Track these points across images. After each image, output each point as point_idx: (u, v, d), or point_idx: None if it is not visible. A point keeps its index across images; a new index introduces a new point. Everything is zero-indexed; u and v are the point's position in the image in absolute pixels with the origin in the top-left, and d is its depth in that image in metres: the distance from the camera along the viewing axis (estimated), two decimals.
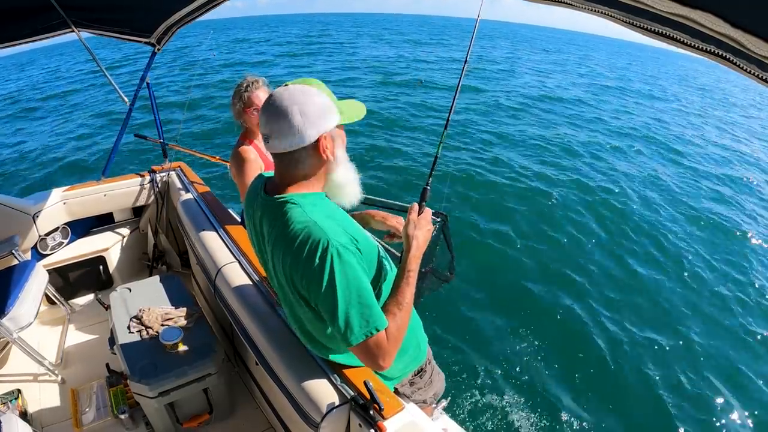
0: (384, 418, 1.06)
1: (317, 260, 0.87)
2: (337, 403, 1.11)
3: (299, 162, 0.95)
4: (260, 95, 1.88)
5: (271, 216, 0.98)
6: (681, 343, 3.72)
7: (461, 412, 2.83)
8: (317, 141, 0.93)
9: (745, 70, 0.74)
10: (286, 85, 0.95)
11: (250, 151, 1.86)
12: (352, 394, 1.13)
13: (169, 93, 12.97)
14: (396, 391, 1.29)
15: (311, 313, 1.02)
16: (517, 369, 3.25)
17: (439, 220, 1.57)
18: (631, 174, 7.71)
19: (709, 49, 0.76)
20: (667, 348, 3.63)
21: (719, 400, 3.18)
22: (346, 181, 1.02)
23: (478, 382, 3.09)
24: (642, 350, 3.58)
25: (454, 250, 1.55)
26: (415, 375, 1.34)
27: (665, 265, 4.88)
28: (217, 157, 2.85)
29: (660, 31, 0.81)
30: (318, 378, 1.18)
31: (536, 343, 3.50)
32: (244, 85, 1.87)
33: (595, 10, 0.91)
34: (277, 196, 0.97)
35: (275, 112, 0.90)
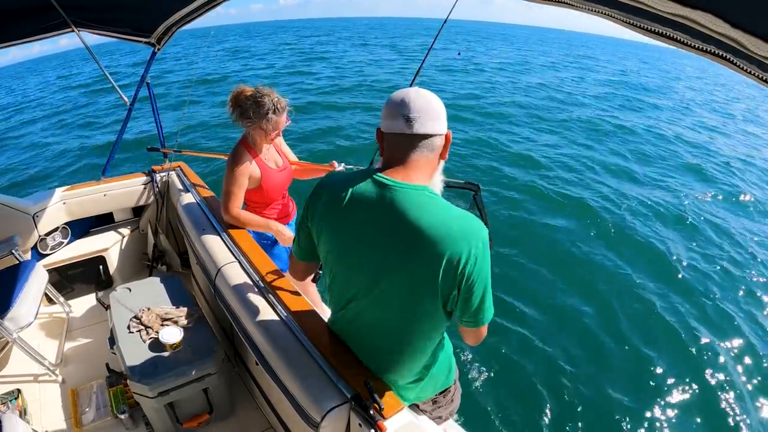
0: (384, 418, 1.06)
1: (481, 247, 0.94)
2: (337, 402, 1.11)
3: (433, 148, 1.00)
4: (284, 121, 1.86)
5: (405, 202, 0.95)
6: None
7: (461, 412, 2.83)
8: (447, 134, 1.02)
9: (746, 71, 0.75)
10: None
11: (250, 168, 1.87)
12: (352, 393, 1.13)
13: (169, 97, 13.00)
14: (416, 407, 1.29)
15: (437, 308, 1.00)
16: (522, 372, 3.24)
17: (472, 191, 1.57)
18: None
19: (709, 49, 0.76)
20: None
21: None
22: (439, 188, 1.06)
23: (480, 382, 3.09)
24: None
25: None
26: (439, 394, 1.32)
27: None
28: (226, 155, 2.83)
29: (660, 31, 0.81)
30: (318, 378, 1.18)
31: (544, 349, 3.46)
32: (269, 104, 1.78)
33: (595, 11, 0.91)
34: (408, 182, 0.97)
35: (426, 101, 0.98)
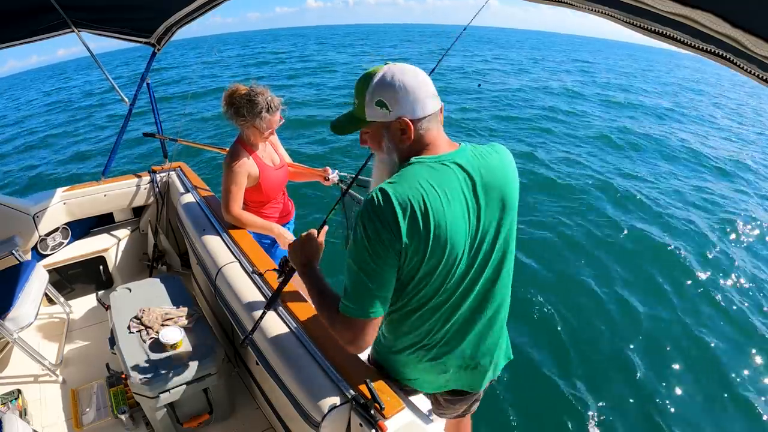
0: (385, 418, 1.06)
1: None
2: (337, 402, 1.11)
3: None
4: (278, 120, 1.86)
5: (484, 161, 0.98)
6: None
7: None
8: None
9: (746, 70, 0.75)
10: (387, 63, 0.96)
11: (248, 165, 1.87)
12: (353, 393, 1.13)
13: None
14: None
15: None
16: (523, 372, 3.23)
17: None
18: None
19: (709, 49, 0.76)
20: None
21: None
22: None
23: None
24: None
25: None
26: None
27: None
28: (226, 149, 2.83)
29: (660, 31, 0.81)
30: (319, 378, 1.18)
31: (545, 349, 3.44)
32: (263, 103, 1.78)
33: (595, 10, 0.91)
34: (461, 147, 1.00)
35: (426, 79, 0.96)
